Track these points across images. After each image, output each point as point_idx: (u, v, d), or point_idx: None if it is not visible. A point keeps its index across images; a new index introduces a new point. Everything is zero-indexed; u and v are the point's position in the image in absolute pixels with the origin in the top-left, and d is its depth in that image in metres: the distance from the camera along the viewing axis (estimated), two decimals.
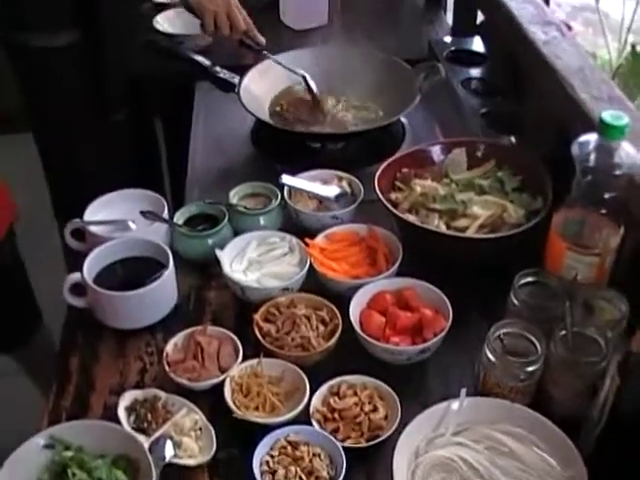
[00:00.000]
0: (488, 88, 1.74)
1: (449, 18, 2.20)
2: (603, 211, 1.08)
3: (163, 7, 2.11)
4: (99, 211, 1.34)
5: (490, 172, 1.38)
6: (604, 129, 1.04)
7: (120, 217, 1.31)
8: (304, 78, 1.71)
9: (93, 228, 1.28)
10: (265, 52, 1.76)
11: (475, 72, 1.80)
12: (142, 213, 1.30)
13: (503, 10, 1.60)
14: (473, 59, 1.85)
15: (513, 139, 1.49)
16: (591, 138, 1.07)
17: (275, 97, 1.75)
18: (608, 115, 1.04)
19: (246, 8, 1.86)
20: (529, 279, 1.12)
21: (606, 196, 1.07)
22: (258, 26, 2.09)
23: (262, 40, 1.80)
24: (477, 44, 1.92)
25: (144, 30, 2.00)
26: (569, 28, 3.92)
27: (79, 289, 1.20)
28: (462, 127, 1.62)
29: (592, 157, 1.07)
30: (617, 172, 1.05)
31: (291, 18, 2.14)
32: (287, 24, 2.15)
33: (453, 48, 1.89)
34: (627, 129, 1.03)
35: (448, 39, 1.98)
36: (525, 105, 1.60)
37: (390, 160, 1.38)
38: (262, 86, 1.73)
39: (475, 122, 1.61)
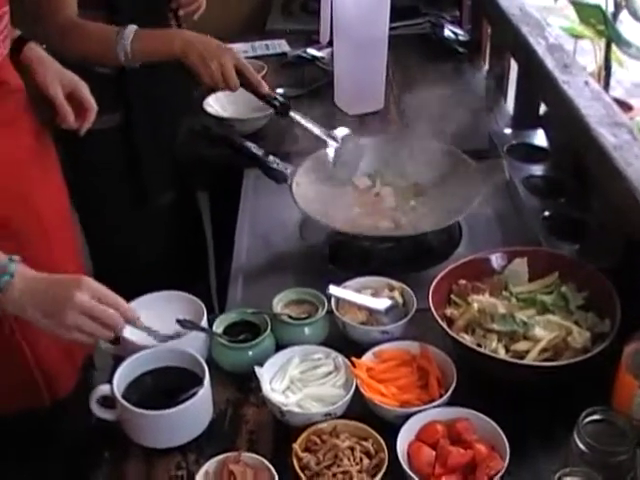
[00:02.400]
0: (551, 187, 1.65)
1: (510, 106, 2.12)
2: None
3: (214, 90, 2.06)
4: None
5: (553, 285, 1.28)
6: None
7: (157, 321, 1.24)
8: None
9: (127, 333, 1.21)
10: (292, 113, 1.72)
11: (537, 169, 1.71)
12: (179, 322, 1.22)
13: (569, 106, 1.52)
14: (535, 154, 1.77)
15: (576, 247, 1.40)
16: None
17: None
18: None
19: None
20: (595, 417, 1.01)
21: None
22: (311, 108, 2.06)
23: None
24: (540, 137, 1.84)
25: (193, 114, 1.96)
26: (629, 108, 3.83)
27: (108, 401, 1.13)
28: (523, 231, 1.53)
29: None
30: None
31: (345, 102, 2.08)
32: (341, 108, 2.09)
33: (514, 142, 1.82)
34: None
35: (509, 131, 1.91)
36: (591, 211, 1.51)
37: (445, 272, 1.29)
38: (315, 180, 1.66)
39: (537, 226, 1.51)
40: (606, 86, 3.82)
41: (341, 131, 1.30)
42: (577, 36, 3.75)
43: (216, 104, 2.02)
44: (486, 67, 2.35)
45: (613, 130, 1.40)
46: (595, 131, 1.40)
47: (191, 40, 1.69)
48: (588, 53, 4.09)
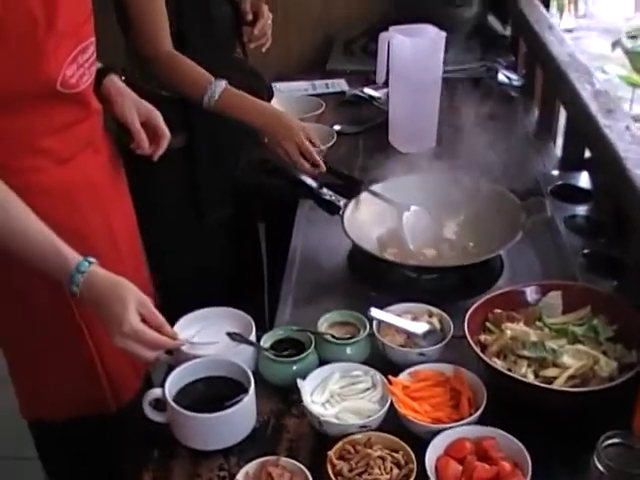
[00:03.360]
0: (592, 227, 1.72)
1: (558, 149, 2.19)
2: None
3: None
4: (189, 325, 1.37)
5: (585, 318, 1.34)
6: None
7: (209, 335, 1.33)
8: (399, 214, 1.73)
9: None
10: (363, 184, 1.80)
11: (580, 209, 1.79)
12: (229, 334, 1.32)
13: (609, 149, 1.58)
14: (579, 195, 1.84)
15: (613, 285, 1.46)
16: None
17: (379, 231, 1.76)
18: None
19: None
20: (615, 440, 1.07)
21: None
22: (367, 145, 2.16)
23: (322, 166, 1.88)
24: (584, 180, 1.90)
25: (253, 144, 2.07)
26: None
27: (160, 404, 1.22)
28: (562, 267, 1.59)
29: None
30: None
31: (399, 141, 2.17)
32: (395, 147, 2.18)
33: (559, 183, 1.89)
34: None
35: (555, 172, 1.98)
36: (629, 251, 1.56)
37: (482, 300, 1.36)
38: (365, 213, 1.75)
39: (576, 263, 1.58)
40: None
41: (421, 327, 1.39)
42: (634, 84, 3.80)
43: None
44: (537, 111, 2.42)
45: None
46: (631, 172, 1.47)
47: (271, 123, 1.87)
48: None
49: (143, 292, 1.27)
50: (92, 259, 1.27)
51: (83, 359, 1.52)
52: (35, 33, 1.30)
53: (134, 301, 1.23)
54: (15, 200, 1.27)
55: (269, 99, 2.25)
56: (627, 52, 3.01)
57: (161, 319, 1.25)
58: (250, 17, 2.16)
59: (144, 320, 1.23)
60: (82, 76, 1.43)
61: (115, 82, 1.61)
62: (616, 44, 3.22)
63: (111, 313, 1.22)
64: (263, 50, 2.22)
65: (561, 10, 6.59)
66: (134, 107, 1.60)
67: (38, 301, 1.46)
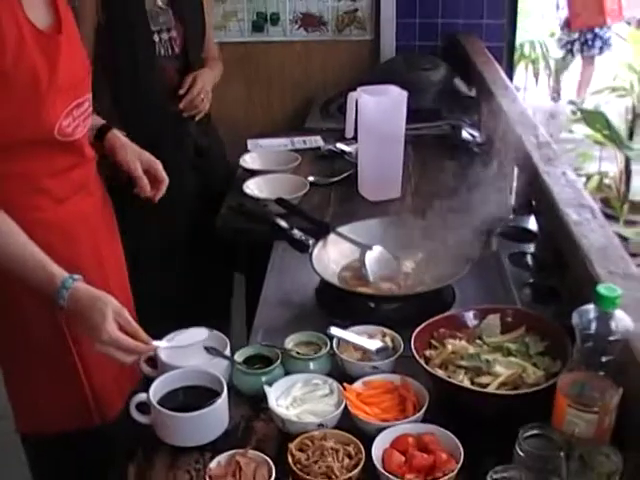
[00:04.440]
0: (535, 263, 1.92)
1: (513, 198, 2.40)
2: (602, 373, 1.22)
3: (253, 173, 2.41)
4: (171, 339, 1.55)
5: (519, 337, 1.53)
6: (599, 300, 1.19)
7: (189, 351, 1.52)
8: (363, 253, 1.91)
9: (163, 356, 1.49)
10: (330, 226, 2.00)
11: (526, 247, 1.99)
12: (206, 348, 1.50)
13: (547, 192, 1.79)
14: (526, 235, 2.05)
15: (550, 309, 1.65)
16: (590, 308, 1.22)
17: (343, 267, 1.95)
18: (602, 288, 1.19)
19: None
20: (535, 432, 1.25)
21: (604, 359, 1.21)
22: (338, 197, 2.38)
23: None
24: (532, 223, 2.11)
25: (234, 193, 2.29)
26: None
27: (144, 407, 1.40)
28: (506, 296, 1.78)
29: (592, 325, 1.21)
30: (612, 338, 1.20)
31: (367, 190, 2.38)
32: (364, 196, 2.39)
33: (509, 224, 2.09)
34: (619, 300, 1.18)
35: (506, 216, 2.18)
36: (564, 282, 1.76)
37: (428, 322, 1.55)
38: (332, 252, 1.94)
39: (520, 293, 1.78)
40: (627, 186, 4.09)
41: (375, 343, 1.58)
42: (601, 143, 4.05)
43: (254, 187, 2.34)
44: (495, 165, 2.63)
45: (577, 210, 1.67)
46: (562, 211, 1.67)
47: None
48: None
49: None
50: (77, 276, 1.47)
51: (70, 375, 1.71)
52: (37, 87, 1.52)
53: (112, 312, 1.43)
54: (10, 223, 1.49)
55: (223, 155, 2.68)
56: (580, 110, 3.25)
57: (136, 327, 1.45)
58: (182, 91, 2.48)
59: (121, 329, 1.43)
60: (77, 127, 1.65)
61: (118, 136, 1.85)
62: (571, 104, 3.46)
63: (92, 324, 1.43)
64: (196, 119, 2.56)
65: (536, 75, 6.93)
66: (136, 157, 1.83)
67: (30, 319, 1.67)
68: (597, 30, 6.62)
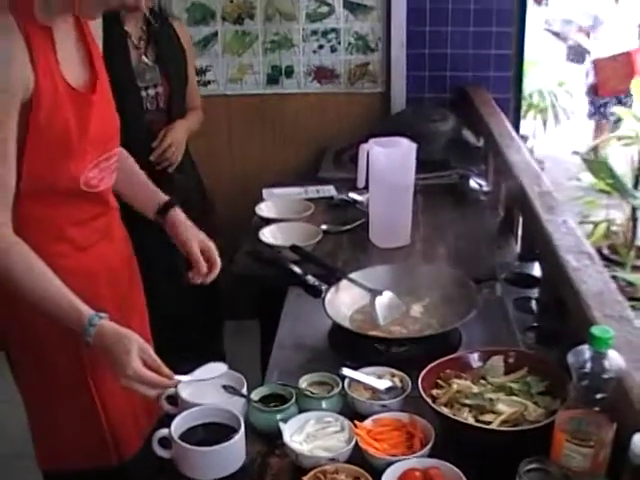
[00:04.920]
0: (540, 307, 2.00)
1: (518, 245, 2.49)
2: (597, 409, 1.29)
3: (268, 221, 2.51)
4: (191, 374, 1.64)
5: (521, 377, 1.61)
6: (594, 340, 1.28)
7: (207, 387, 1.61)
8: (373, 298, 2.00)
9: (184, 394, 1.58)
10: (342, 273, 2.08)
11: (530, 293, 2.07)
12: (225, 387, 1.59)
13: (548, 239, 1.88)
14: (530, 281, 2.13)
15: (553, 352, 1.73)
16: (584, 348, 1.30)
17: (355, 311, 2.04)
18: (596, 329, 1.28)
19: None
20: (534, 465, 1.32)
21: (598, 397, 1.29)
22: (350, 244, 2.47)
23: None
24: (536, 269, 2.20)
25: (250, 239, 2.39)
26: None
27: (166, 442, 1.48)
28: (510, 339, 1.86)
29: (587, 364, 1.29)
30: (606, 376, 1.27)
31: (378, 238, 2.48)
32: (374, 243, 2.49)
33: (514, 271, 2.18)
34: (611, 341, 1.27)
35: (512, 263, 2.27)
36: (565, 323, 1.84)
37: (435, 363, 1.63)
38: (344, 297, 2.02)
39: (523, 336, 1.86)
40: (633, 234, 4.17)
41: (384, 383, 1.68)
42: (606, 191, 4.14)
43: (269, 235, 2.44)
44: (502, 213, 2.74)
45: (577, 257, 1.75)
46: (562, 257, 1.76)
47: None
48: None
49: None
50: (103, 314, 1.57)
51: (89, 414, 1.79)
52: (68, 142, 1.63)
53: (136, 349, 1.52)
54: (40, 264, 1.58)
55: (204, 208, 2.89)
56: (584, 159, 3.35)
57: (159, 362, 1.55)
58: (154, 144, 2.70)
59: (145, 364, 1.52)
60: (103, 179, 1.76)
61: (178, 215, 1.91)
62: (576, 154, 3.56)
63: (118, 360, 1.52)
64: (169, 170, 2.76)
65: (545, 122, 7.06)
66: (195, 238, 1.88)
67: (52, 357, 1.77)
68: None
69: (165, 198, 1.93)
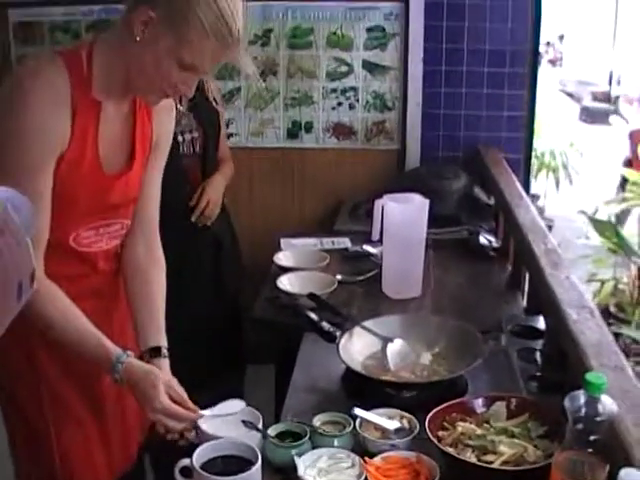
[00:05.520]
0: (543, 358, 2.10)
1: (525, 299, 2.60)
2: (590, 450, 1.39)
3: (286, 270, 2.64)
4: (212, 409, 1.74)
5: (522, 422, 1.71)
6: (588, 386, 1.38)
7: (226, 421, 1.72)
8: (384, 345, 2.10)
9: (205, 427, 1.69)
10: (356, 320, 2.19)
11: (534, 344, 2.18)
12: (244, 422, 1.69)
13: (551, 293, 1.99)
14: (535, 334, 2.23)
15: (554, 399, 1.83)
16: (580, 393, 1.40)
17: (367, 357, 2.14)
18: (590, 375, 1.38)
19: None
20: None
21: (592, 438, 1.39)
22: (364, 294, 2.59)
23: None
24: (541, 322, 2.30)
25: (269, 286, 2.52)
26: None
27: (187, 472, 1.59)
28: (513, 386, 1.97)
29: (582, 408, 1.40)
30: (599, 419, 1.38)
31: (390, 289, 2.59)
32: (387, 294, 2.60)
33: (522, 323, 2.29)
34: (604, 386, 1.37)
35: (518, 315, 2.38)
36: (566, 372, 1.94)
37: (442, 406, 1.73)
38: (357, 343, 2.13)
39: (526, 384, 1.96)
40: (639, 293, 4.27)
41: (394, 424, 1.81)
42: (613, 250, 4.25)
43: (287, 283, 2.56)
44: (510, 268, 2.85)
45: (578, 310, 1.86)
46: (564, 311, 1.87)
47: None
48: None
49: None
50: (129, 352, 1.69)
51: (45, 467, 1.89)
52: (71, 207, 1.71)
53: (163, 384, 1.64)
54: (69, 303, 1.69)
55: (236, 253, 2.99)
56: (590, 219, 3.47)
57: (184, 397, 1.66)
58: (192, 203, 2.86)
59: (171, 398, 1.63)
60: (98, 242, 1.81)
61: (164, 363, 1.82)
62: (582, 213, 3.68)
63: (146, 394, 1.64)
64: (207, 224, 2.92)
65: (557, 182, 7.20)
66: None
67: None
68: None
69: (158, 342, 1.84)
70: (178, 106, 2.73)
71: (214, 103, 2.81)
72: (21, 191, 1.20)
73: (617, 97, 13.48)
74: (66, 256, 1.77)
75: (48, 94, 1.61)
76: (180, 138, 2.83)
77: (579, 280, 2.18)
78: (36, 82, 1.61)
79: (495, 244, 3.01)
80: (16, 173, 1.58)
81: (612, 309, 4.47)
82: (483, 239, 3.02)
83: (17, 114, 1.60)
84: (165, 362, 1.80)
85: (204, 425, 1.69)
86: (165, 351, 1.82)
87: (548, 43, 17.64)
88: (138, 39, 1.60)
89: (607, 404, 1.39)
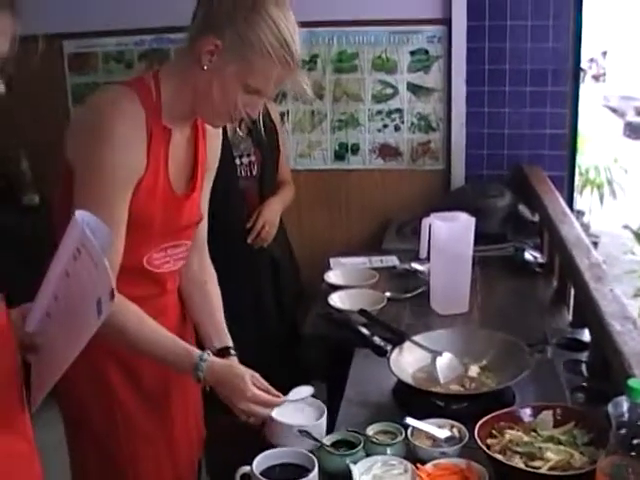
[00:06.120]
0: (588, 369, 2.16)
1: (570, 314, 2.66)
2: (633, 454, 1.45)
3: (336, 288, 2.73)
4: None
5: (569, 430, 1.77)
6: (630, 392, 1.44)
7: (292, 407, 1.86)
8: (434, 358, 2.18)
9: (273, 414, 1.82)
10: (406, 335, 2.26)
11: (580, 356, 2.24)
12: (300, 431, 1.78)
13: (595, 307, 2.05)
14: (581, 346, 2.29)
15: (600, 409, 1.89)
16: (623, 399, 1.47)
17: (417, 370, 2.22)
18: (633, 382, 1.45)
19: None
20: None
21: (635, 442, 1.45)
22: (412, 310, 2.66)
23: None
24: (586, 335, 2.36)
25: (321, 304, 2.61)
26: None
27: (247, 478, 1.68)
28: (559, 397, 2.03)
29: (625, 414, 1.46)
30: None
31: (438, 305, 2.67)
32: (435, 310, 2.68)
33: (568, 336, 2.35)
34: None
35: (564, 329, 2.44)
36: (611, 383, 2.00)
37: (491, 415, 1.80)
38: (407, 357, 2.21)
39: (572, 395, 2.03)
40: None
41: (444, 433, 1.84)
42: None
43: (337, 300, 2.65)
44: (555, 283, 2.91)
45: (621, 322, 1.92)
46: (607, 322, 1.93)
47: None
48: None
49: None
50: (208, 351, 1.80)
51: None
52: (148, 231, 1.82)
53: (248, 375, 1.76)
54: (145, 315, 1.79)
55: (295, 275, 3.07)
56: (634, 233, 3.51)
57: (267, 385, 1.79)
58: (249, 225, 2.96)
59: (257, 387, 1.76)
60: (166, 263, 1.91)
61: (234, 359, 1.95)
62: (626, 228, 3.72)
63: (234, 387, 1.76)
64: (264, 246, 3.02)
65: (601, 197, 7.20)
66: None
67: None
68: None
69: (225, 342, 1.98)
70: (237, 130, 2.87)
71: (274, 125, 2.92)
72: (100, 219, 1.32)
73: None
74: (139, 277, 1.86)
75: (128, 126, 1.72)
76: (238, 161, 2.96)
77: (625, 295, 2.24)
78: (117, 114, 1.71)
79: (540, 260, 3.06)
80: (97, 203, 1.66)
81: None
82: (528, 255, 3.07)
83: (100, 147, 1.70)
84: (235, 359, 1.93)
85: (273, 412, 1.81)
86: (232, 350, 1.97)
87: (591, 59, 17.57)
88: (205, 67, 1.72)
89: None
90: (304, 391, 1.89)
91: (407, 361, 2.20)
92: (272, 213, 3.04)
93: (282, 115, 3.96)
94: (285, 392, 1.85)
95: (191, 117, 1.87)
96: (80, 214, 1.32)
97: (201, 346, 1.98)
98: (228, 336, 1.99)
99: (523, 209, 3.48)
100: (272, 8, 1.69)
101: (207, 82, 1.74)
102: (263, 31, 1.67)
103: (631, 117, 13.91)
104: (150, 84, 1.78)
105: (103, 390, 1.93)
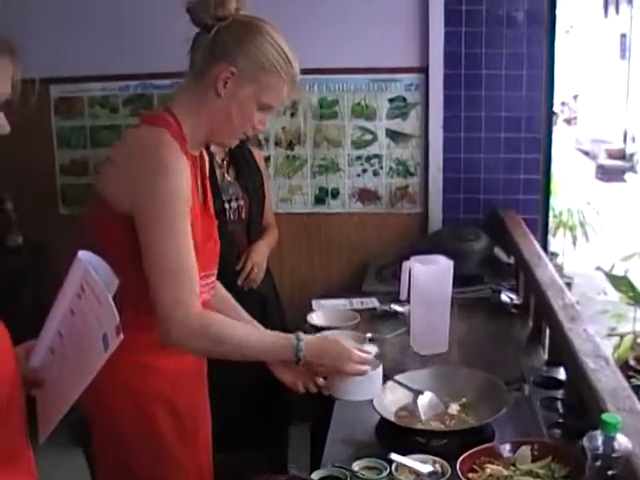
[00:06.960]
0: (564, 406, 2.24)
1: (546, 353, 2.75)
2: None
3: (319, 329, 2.82)
4: None
5: (546, 464, 1.85)
6: (605, 426, 1.53)
7: None
8: (415, 397, 2.25)
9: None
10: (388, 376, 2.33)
11: (557, 393, 2.32)
12: (291, 467, 1.85)
13: (570, 346, 2.14)
14: (556, 384, 2.38)
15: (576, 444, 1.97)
16: (597, 433, 1.55)
17: (399, 408, 2.29)
18: (606, 416, 1.54)
19: None
20: None
21: (609, 473, 1.53)
22: (393, 350, 2.74)
23: None
24: (562, 373, 2.45)
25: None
26: None
27: None
28: (537, 433, 2.10)
29: (600, 447, 1.54)
30: (616, 455, 1.52)
31: (418, 345, 2.74)
32: (416, 350, 2.75)
33: (544, 374, 2.44)
34: (619, 425, 1.52)
35: (540, 367, 2.53)
36: (586, 419, 2.08)
37: (471, 451, 1.87)
38: (390, 396, 2.26)
39: (549, 431, 2.10)
40: None
41: (427, 468, 1.91)
42: (631, 304, 4.39)
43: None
44: (531, 324, 3.00)
45: (594, 360, 2.01)
46: (581, 360, 2.02)
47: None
48: None
49: None
50: (298, 332, 1.92)
51: None
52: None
53: (345, 341, 1.93)
54: (230, 318, 1.92)
55: (280, 314, 3.19)
56: (606, 274, 3.62)
57: (359, 345, 2.02)
58: (238, 267, 3.10)
59: None
60: (202, 293, 1.94)
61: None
62: (599, 269, 3.84)
63: (340, 355, 1.91)
64: (254, 286, 3.15)
65: (574, 239, 7.35)
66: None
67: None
68: None
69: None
70: (225, 176, 2.97)
71: (260, 171, 3.03)
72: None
73: (632, 154, 13.66)
74: None
75: (181, 159, 1.83)
76: (227, 205, 3.06)
77: (599, 334, 2.33)
78: (170, 150, 1.81)
79: (516, 301, 3.16)
80: (176, 239, 1.79)
81: (632, 362, 4.59)
82: (505, 297, 3.17)
83: (165, 181, 1.78)
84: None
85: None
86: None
87: (563, 103, 17.93)
88: (222, 94, 1.85)
89: (622, 442, 1.53)
90: (371, 349, 2.15)
91: (389, 400, 2.27)
92: (260, 256, 3.15)
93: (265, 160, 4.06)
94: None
95: (204, 143, 2.00)
96: (83, 254, 1.39)
97: None
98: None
99: (499, 252, 3.58)
100: (272, 32, 1.85)
101: (225, 107, 1.86)
102: (270, 52, 1.83)
103: (602, 160, 14.20)
104: (170, 119, 1.88)
105: (145, 428, 1.97)
